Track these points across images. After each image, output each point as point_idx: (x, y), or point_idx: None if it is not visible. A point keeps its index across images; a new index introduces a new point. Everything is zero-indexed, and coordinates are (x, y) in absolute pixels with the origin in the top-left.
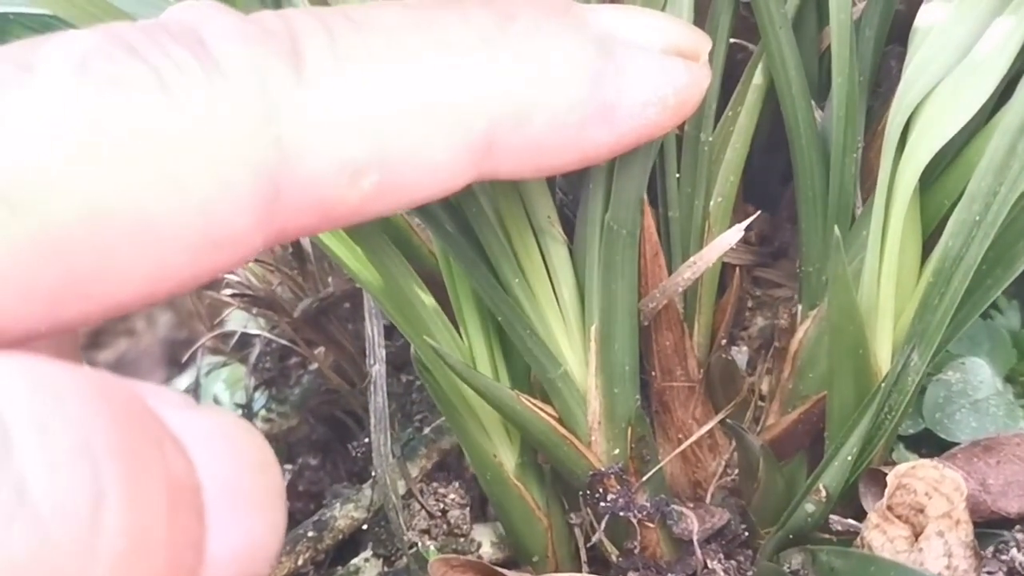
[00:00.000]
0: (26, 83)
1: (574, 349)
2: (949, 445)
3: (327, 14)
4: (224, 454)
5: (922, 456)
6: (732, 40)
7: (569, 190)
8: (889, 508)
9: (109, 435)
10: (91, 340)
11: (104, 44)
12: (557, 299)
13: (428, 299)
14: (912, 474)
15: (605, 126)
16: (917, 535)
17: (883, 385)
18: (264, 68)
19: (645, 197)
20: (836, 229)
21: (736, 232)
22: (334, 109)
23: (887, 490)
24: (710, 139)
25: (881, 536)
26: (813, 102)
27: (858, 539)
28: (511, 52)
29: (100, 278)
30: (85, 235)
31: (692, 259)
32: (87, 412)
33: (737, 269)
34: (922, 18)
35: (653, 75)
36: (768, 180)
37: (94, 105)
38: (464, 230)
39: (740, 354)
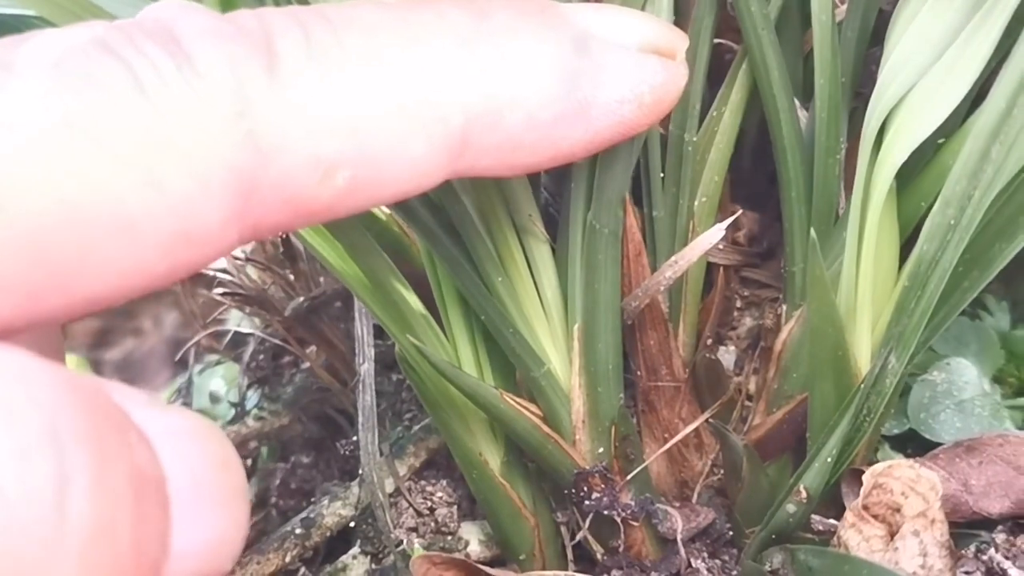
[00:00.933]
0: (4, 82)
1: (557, 348)
2: (934, 445)
3: (302, 12)
4: (188, 451)
5: (907, 456)
6: (717, 40)
7: (554, 189)
8: (865, 507)
9: (75, 422)
10: (98, 340)
11: (81, 43)
12: (540, 299)
13: (413, 299)
14: (888, 473)
15: (581, 123)
16: (893, 534)
17: (862, 387)
18: (238, 66)
19: (628, 197)
20: (812, 231)
21: (718, 231)
22: (307, 106)
23: (863, 489)
24: (695, 139)
25: (857, 535)
26: (798, 103)
27: (835, 538)
28: (487, 49)
29: (76, 273)
30: (61, 231)
31: (673, 258)
32: (54, 399)
33: (722, 269)
34: (897, 20)
35: (629, 73)
36: (758, 180)
37: (70, 103)
38: (447, 229)
39: (728, 354)
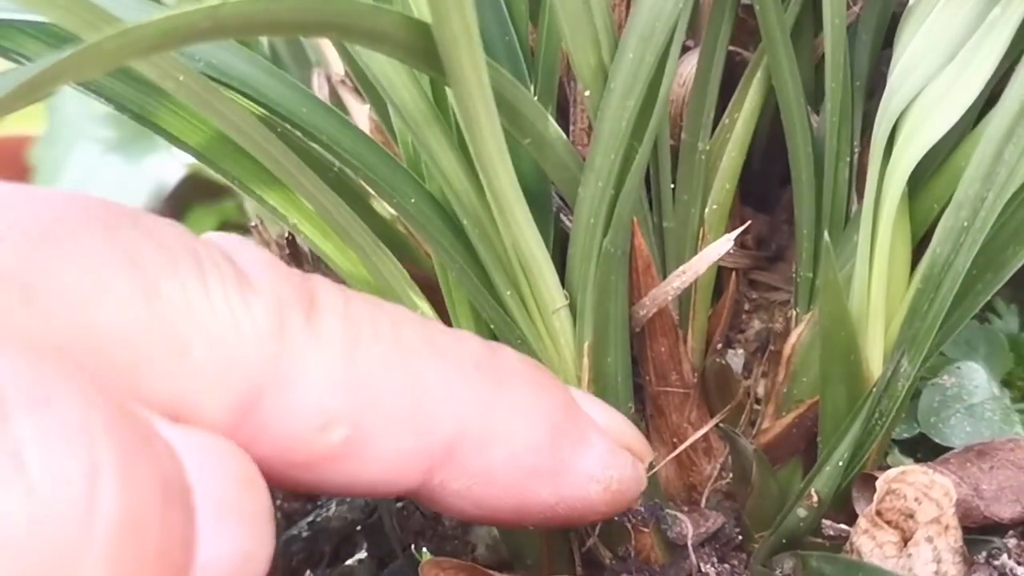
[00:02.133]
0: None
1: (566, 361)
2: (944, 450)
3: (343, 287)
4: (213, 467)
5: (917, 460)
6: (730, 48)
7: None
8: (878, 513)
9: (107, 418)
10: None
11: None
12: (549, 315)
13: (423, 303)
14: (902, 479)
15: (551, 485)
16: (906, 541)
17: (874, 391)
18: (284, 298)
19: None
20: (826, 235)
21: (726, 242)
22: (332, 357)
23: (876, 495)
24: (707, 147)
25: (870, 541)
26: (808, 107)
27: (847, 544)
28: (495, 378)
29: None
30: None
31: (681, 268)
32: (86, 394)
33: (733, 274)
34: (907, 22)
35: (605, 454)
36: (767, 182)
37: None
38: (456, 237)
39: (736, 357)
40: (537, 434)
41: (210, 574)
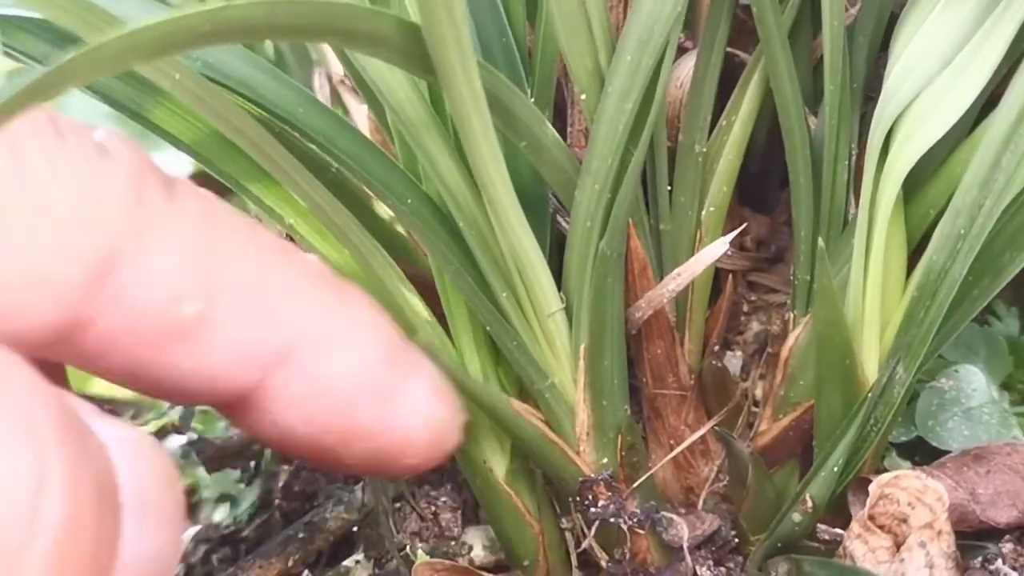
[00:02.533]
0: None
1: (562, 364)
2: (941, 453)
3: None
4: (136, 464)
5: (914, 464)
6: (728, 49)
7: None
8: (871, 518)
9: (51, 423)
10: None
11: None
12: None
13: (418, 304)
14: (895, 484)
15: (379, 407)
16: (899, 545)
17: (869, 396)
18: (144, 173)
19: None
20: (820, 240)
21: (722, 244)
22: (189, 236)
23: (869, 500)
24: (704, 149)
25: (863, 546)
26: (806, 109)
27: (840, 549)
28: (339, 294)
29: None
30: None
31: (677, 271)
32: (34, 399)
33: (730, 276)
34: (903, 25)
35: (432, 392)
36: (767, 183)
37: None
38: (453, 239)
39: (734, 359)
40: (373, 353)
41: (127, 574)
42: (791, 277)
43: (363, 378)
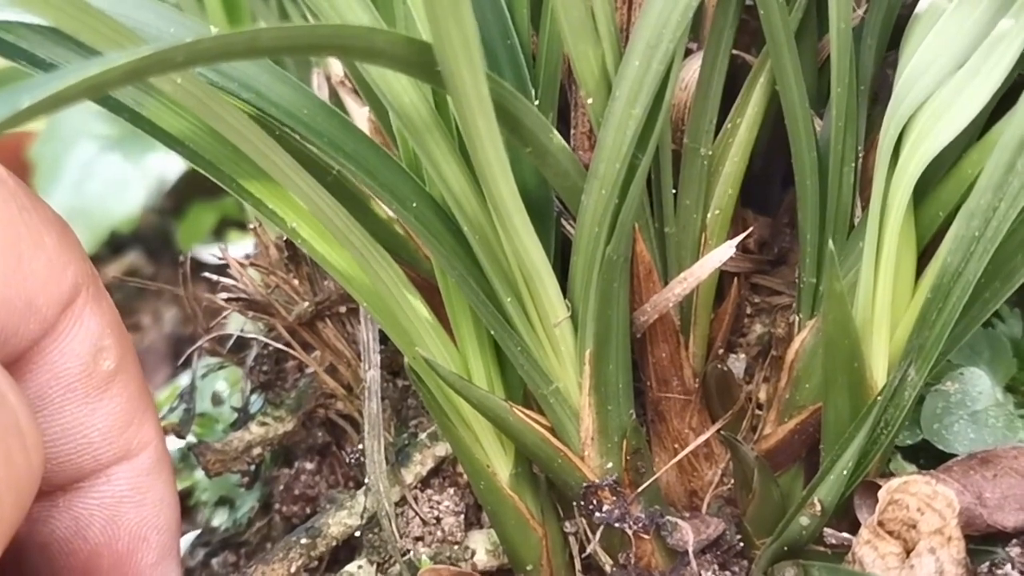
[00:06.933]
0: None
1: (567, 369)
2: (946, 456)
3: None
4: None
5: (920, 467)
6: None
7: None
8: (880, 524)
9: None
10: None
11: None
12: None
13: (422, 308)
14: (904, 489)
15: None
16: (909, 551)
17: (879, 399)
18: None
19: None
20: (831, 242)
21: (728, 248)
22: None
23: (879, 506)
24: (709, 152)
25: (872, 552)
26: (812, 112)
27: (849, 554)
28: None
29: None
30: None
31: (683, 275)
32: None
33: (736, 279)
34: (914, 26)
35: None
36: (769, 184)
37: None
38: (456, 241)
39: (738, 361)
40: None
41: None
42: (796, 280)
43: None
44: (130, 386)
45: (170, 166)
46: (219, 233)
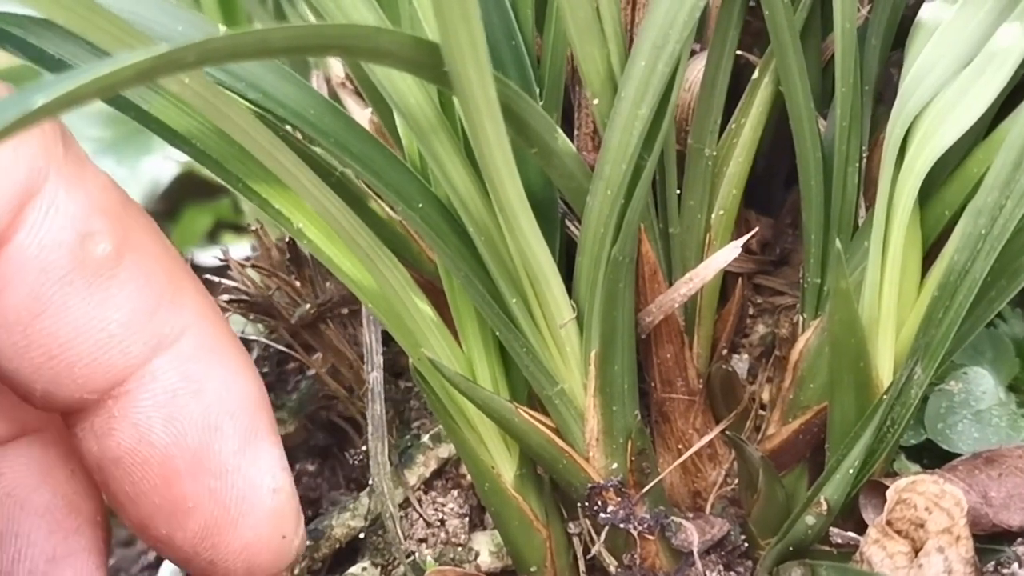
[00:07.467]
0: None
1: (572, 370)
2: (951, 456)
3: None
4: None
5: (924, 467)
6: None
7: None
8: (889, 523)
9: None
10: None
11: None
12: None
13: (426, 308)
14: (912, 489)
15: None
16: (917, 551)
17: (885, 398)
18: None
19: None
20: (837, 241)
21: (733, 249)
22: (93, 192)
23: (887, 505)
24: (714, 152)
25: (880, 552)
26: (816, 112)
27: (857, 554)
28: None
29: None
30: None
31: (688, 275)
32: None
33: (739, 279)
34: (919, 26)
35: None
36: (771, 185)
37: None
38: (461, 242)
39: (741, 362)
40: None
41: None
42: (800, 280)
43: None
44: (146, 269)
45: (164, 169)
46: (213, 236)
